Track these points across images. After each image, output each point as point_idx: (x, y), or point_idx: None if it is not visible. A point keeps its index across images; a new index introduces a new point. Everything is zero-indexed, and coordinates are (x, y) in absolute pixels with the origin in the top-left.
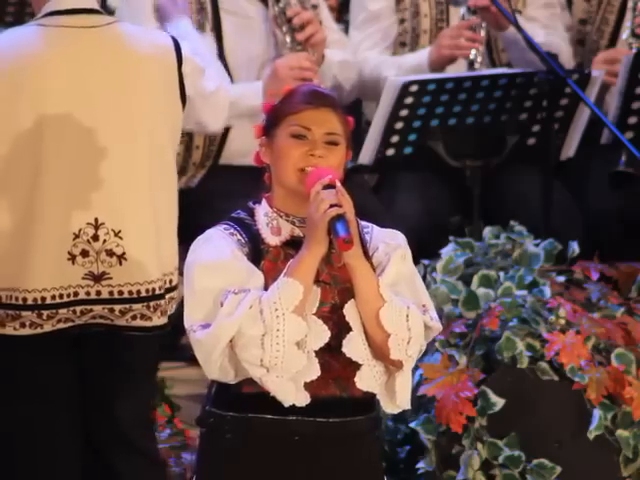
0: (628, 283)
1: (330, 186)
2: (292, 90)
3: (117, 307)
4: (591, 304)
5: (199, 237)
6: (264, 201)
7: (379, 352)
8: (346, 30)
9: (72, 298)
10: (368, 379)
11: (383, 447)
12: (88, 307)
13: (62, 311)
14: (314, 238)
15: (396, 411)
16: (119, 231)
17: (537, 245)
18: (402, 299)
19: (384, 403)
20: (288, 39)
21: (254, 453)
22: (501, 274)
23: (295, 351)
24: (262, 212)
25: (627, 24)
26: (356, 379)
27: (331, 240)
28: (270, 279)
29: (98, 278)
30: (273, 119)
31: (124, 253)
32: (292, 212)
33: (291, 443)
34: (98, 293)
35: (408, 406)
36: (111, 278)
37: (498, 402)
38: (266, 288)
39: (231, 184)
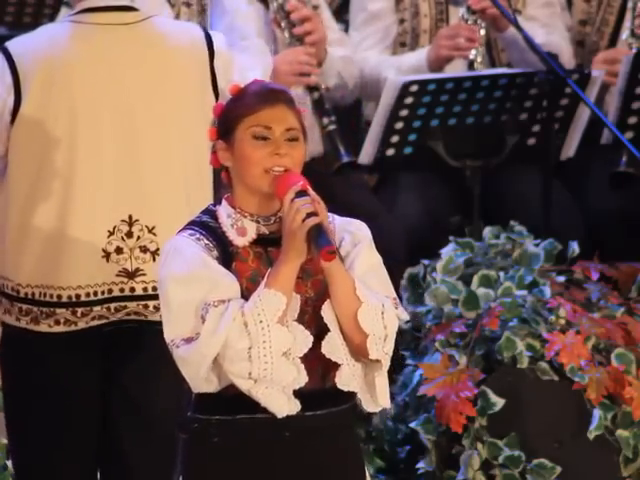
0: (628, 283)
1: (302, 192)
2: (242, 90)
3: (151, 303)
4: (591, 304)
5: (165, 247)
6: (225, 202)
7: (357, 351)
8: (346, 30)
9: (106, 295)
10: (348, 378)
11: (383, 447)
12: (122, 304)
13: (96, 308)
14: (293, 248)
15: (377, 410)
16: (153, 227)
17: (537, 245)
18: (375, 295)
19: (365, 402)
20: (287, 35)
21: (244, 453)
22: (501, 274)
23: (284, 362)
24: (225, 214)
25: (627, 24)
26: (336, 379)
27: (309, 247)
28: (243, 279)
29: (132, 275)
30: (229, 122)
31: (158, 249)
32: (256, 211)
33: (281, 439)
34: (132, 290)
35: (389, 405)
36: (145, 274)
37: (498, 402)
38: (241, 289)
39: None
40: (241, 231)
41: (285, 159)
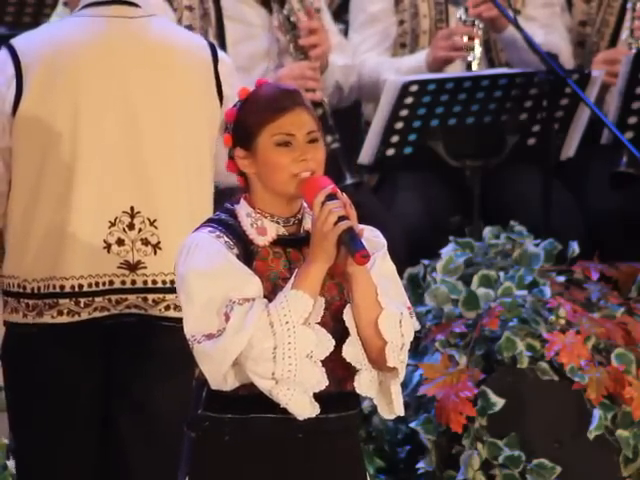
0: (628, 283)
1: (333, 196)
2: (253, 94)
3: (151, 296)
4: (591, 304)
5: (185, 243)
6: (243, 201)
7: (374, 358)
8: (346, 31)
9: (107, 287)
10: (366, 384)
11: (383, 447)
12: (123, 296)
13: (98, 299)
14: (323, 251)
15: (392, 417)
16: (154, 220)
17: (537, 245)
18: (394, 303)
19: (381, 409)
20: (291, 47)
21: (255, 452)
22: (501, 274)
23: (308, 364)
24: (244, 213)
25: (626, 24)
26: (355, 384)
27: (337, 251)
28: (264, 278)
29: (133, 267)
30: (248, 130)
31: (159, 242)
32: (277, 213)
33: (293, 441)
34: (133, 282)
35: (403, 413)
36: (146, 267)
37: (498, 402)
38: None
39: None
40: (261, 231)
41: (311, 163)
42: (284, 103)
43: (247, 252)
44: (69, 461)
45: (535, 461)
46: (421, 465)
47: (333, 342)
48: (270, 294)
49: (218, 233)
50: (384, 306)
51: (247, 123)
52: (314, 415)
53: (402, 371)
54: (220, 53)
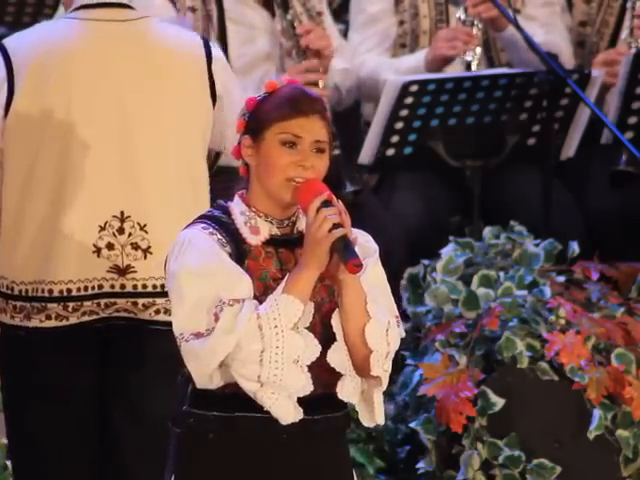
0: (628, 283)
1: (328, 202)
2: (278, 90)
3: (140, 301)
4: (591, 304)
5: (178, 240)
6: (238, 199)
7: (358, 365)
8: (346, 31)
9: (97, 291)
10: (349, 390)
11: (383, 447)
12: (112, 300)
13: (87, 303)
14: (315, 257)
15: (372, 425)
16: (144, 225)
17: (537, 245)
18: (382, 312)
19: (362, 416)
20: (294, 52)
21: (238, 451)
22: (501, 274)
23: (294, 369)
24: (237, 210)
25: (626, 24)
26: (338, 389)
27: (330, 257)
28: (255, 278)
29: (123, 271)
30: (259, 121)
31: (149, 247)
32: (271, 213)
33: (278, 441)
34: (122, 286)
35: (383, 421)
36: (136, 272)
37: (498, 402)
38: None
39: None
40: (254, 230)
41: (309, 171)
42: (302, 106)
43: (239, 251)
44: (65, 461)
45: (535, 461)
46: (421, 465)
47: (320, 348)
48: (261, 294)
49: (211, 230)
50: (372, 315)
51: (261, 115)
52: (297, 420)
53: (385, 380)
54: (214, 50)
